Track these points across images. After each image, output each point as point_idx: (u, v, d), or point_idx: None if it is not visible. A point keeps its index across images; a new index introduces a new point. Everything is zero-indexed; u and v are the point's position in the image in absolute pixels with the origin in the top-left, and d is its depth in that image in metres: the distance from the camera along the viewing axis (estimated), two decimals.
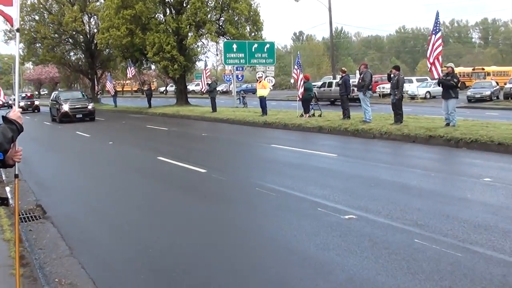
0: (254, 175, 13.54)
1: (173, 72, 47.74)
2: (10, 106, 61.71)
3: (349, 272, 6.40)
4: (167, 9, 50.85)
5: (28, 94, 70.65)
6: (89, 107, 38.89)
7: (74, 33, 63.58)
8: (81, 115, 37.95)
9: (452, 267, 6.35)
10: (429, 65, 20.35)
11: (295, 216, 9.11)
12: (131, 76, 54.31)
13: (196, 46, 50.64)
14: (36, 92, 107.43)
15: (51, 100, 41.89)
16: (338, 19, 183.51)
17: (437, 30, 20.45)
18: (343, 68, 27.80)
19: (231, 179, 13.24)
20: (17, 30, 5.48)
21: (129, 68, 50.94)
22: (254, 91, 57.61)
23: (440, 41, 20.17)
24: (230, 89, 64.57)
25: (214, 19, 49.00)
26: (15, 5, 5.25)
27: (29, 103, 61.16)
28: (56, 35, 65.15)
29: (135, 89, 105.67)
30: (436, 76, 19.97)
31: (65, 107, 37.65)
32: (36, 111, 60.20)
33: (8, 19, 5.26)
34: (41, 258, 7.60)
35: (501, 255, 6.67)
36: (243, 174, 13.95)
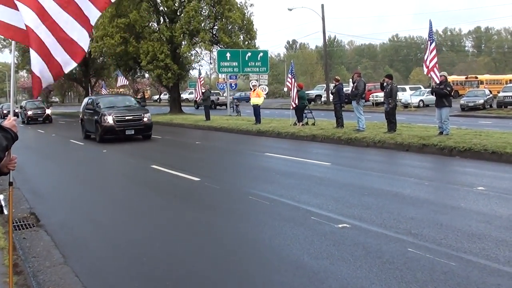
0: (248, 183, 13.55)
1: (166, 81, 47.81)
2: (16, 115, 60.23)
3: (343, 281, 6.40)
4: (161, 17, 50.97)
5: (39, 100, 57.81)
6: (145, 119, 26.91)
7: None
8: (132, 131, 26.42)
9: (445, 276, 6.36)
10: (425, 70, 20.50)
11: (289, 224, 9.12)
12: (121, 84, 54.33)
13: (189, 54, 50.83)
14: (53, 99, 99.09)
15: (85, 109, 29.79)
16: (331, 27, 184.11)
17: (432, 39, 20.75)
18: (336, 77, 27.86)
19: (224, 187, 13.24)
20: None
21: (119, 77, 51.13)
22: (247, 100, 57.66)
23: (434, 51, 20.50)
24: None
25: (207, 28, 49.13)
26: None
27: (39, 112, 50.98)
28: None
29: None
30: (437, 81, 20.15)
31: (109, 119, 26.06)
32: (47, 121, 50.32)
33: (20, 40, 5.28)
34: (35, 266, 7.57)
35: (495, 264, 6.69)
36: (237, 182, 13.96)
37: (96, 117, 26.82)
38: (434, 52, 20.64)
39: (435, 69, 20.26)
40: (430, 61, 20.36)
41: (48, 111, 51.63)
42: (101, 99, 29.48)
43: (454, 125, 22.88)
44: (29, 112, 50.32)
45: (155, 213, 10.77)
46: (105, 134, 26.19)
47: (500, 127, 24.96)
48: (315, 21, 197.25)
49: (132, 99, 32.13)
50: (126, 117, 26.52)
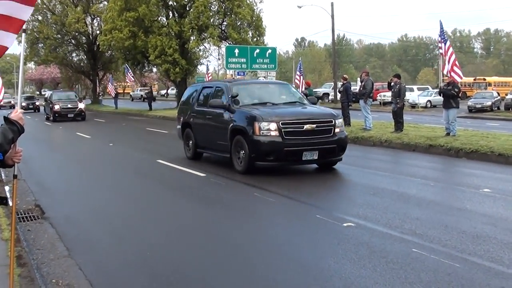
0: (253, 179, 13.51)
1: (174, 76, 47.82)
2: (36, 109, 58.44)
3: (347, 280, 6.39)
4: (170, 12, 50.97)
5: (72, 96, 45.25)
6: (337, 129, 14.07)
7: (76, 34, 63.75)
8: (315, 155, 13.65)
9: (449, 277, 6.34)
10: (448, 71, 20.33)
11: (293, 222, 9.11)
12: (131, 80, 54.69)
13: (198, 50, 50.78)
14: (82, 94, 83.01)
15: (194, 106, 17.15)
16: (340, 26, 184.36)
17: (446, 39, 20.67)
18: (344, 76, 27.83)
19: (229, 183, 13.23)
20: (24, 31, 5.48)
21: (127, 73, 51.35)
22: None
23: (451, 49, 20.40)
24: None
25: (216, 24, 49.10)
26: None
27: (69, 106, 40.88)
28: (59, 36, 65.32)
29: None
30: (458, 80, 20.10)
31: (271, 128, 13.45)
32: (79, 118, 40.43)
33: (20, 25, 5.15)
34: (39, 258, 7.58)
35: (499, 267, 6.66)
36: (242, 178, 13.90)
37: (234, 124, 14.40)
38: (451, 49, 20.50)
39: (455, 67, 20.09)
40: (449, 60, 20.20)
41: (81, 105, 41.67)
42: (238, 88, 15.69)
43: (461, 127, 22.80)
44: (57, 106, 40.29)
45: (159, 208, 10.78)
46: (262, 158, 13.62)
47: (508, 130, 24.84)
48: (324, 19, 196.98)
49: (292, 88, 17.59)
50: (305, 126, 13.65)
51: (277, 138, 13.37)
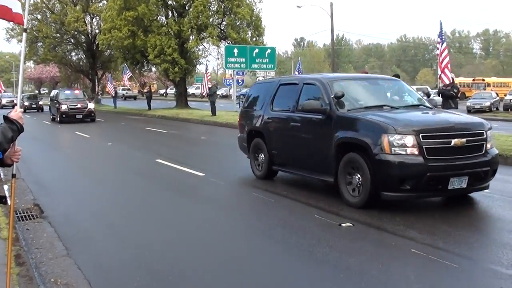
0: (252, 179, 13.50)
1: (173, 75, 47.82)
2: (40, 109, 57.01)
3: (347, 280, 6.40)
4: (169, 12, 50.95)
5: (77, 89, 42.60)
6: (489, 145, 10.13)
7: (76, 33, 63.62)
8: (463, 182, 9.46)
9: (448, 277, 6.34)
10: (439, 72, 20.53)
11: (291, 221, 9.10)
12: (126, 81, 54.84)
13: (197, 49, 50.79)
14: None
15: (271, 106, 12.91)
16: (339, 26, 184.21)
17: (443, 40, 20.80)
18: None
19: (229, 183, 13.23)
20: (25, 30, 5.48)
21: (124, 73, 51.41)
22: None
23: (446, 51, 20.55)
24: (230, 93, 64.64)
25: (216, 23, 49.09)
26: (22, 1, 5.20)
27: (77, 106, 37.74)
28: (58, 35, 65.20)
29: (135, 91, 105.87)
30: (447, 82, 20.22)
31: (407, 143, 9.25)
32: (88, 120, 37.64)
33: (19, 19, 5.18)
34: (38, 257, 7.58)
35: (497, 267, 6.66)
36: (241, 178, 13.91)
37: (343, 136, 10.33)
38: (445, 52, 20.68)
39: (446, 69, 20.26)
40: (441, 62, 20.39)
41: (90, 106, 38.46)
42: (339, 84, 11.39)
43: None
44: (64, 106, 37.06)
45: (159, 207, 10.78)
46: (393, 186, 9.51)
47: (506, 130, 24.86)
48: (323, 19, 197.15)
49: (406, 86, 13.07)
50: (453, 140, 9.53)
51: (416, 158, 9.31)
